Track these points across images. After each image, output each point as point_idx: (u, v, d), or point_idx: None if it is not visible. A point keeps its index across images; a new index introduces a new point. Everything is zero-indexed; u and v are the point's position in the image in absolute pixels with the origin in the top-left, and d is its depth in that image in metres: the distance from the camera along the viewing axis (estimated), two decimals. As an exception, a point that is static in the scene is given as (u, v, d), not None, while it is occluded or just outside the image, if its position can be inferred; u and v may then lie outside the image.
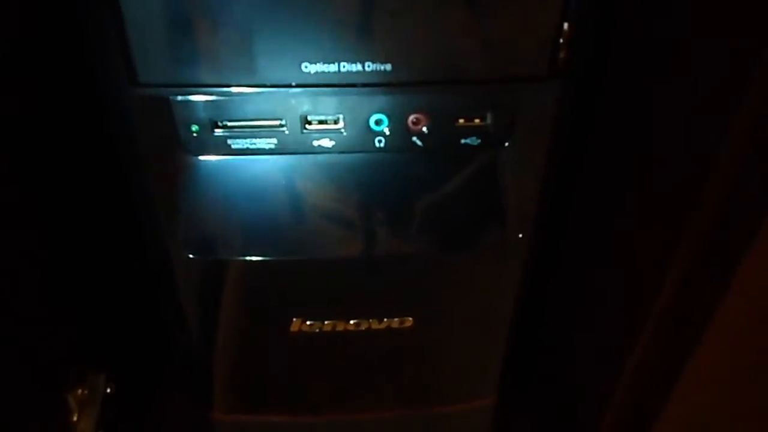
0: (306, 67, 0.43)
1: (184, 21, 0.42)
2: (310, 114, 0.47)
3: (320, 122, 0.48)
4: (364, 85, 0.44)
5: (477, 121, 0.49)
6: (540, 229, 0.55)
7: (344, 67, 0.43)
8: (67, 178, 0.55)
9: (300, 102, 0.46)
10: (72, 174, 0.56)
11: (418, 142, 0.49)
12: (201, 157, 0.49)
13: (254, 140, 0.49)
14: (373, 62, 0.43)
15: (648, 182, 0.50)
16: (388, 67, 0.44)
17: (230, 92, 0.45)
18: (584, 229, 0.62)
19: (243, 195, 0.50)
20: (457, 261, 0.56)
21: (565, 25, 0.43)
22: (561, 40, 0.44)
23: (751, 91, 0.38)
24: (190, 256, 0.52)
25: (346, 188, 0.51)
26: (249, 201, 0.51)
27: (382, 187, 0.51)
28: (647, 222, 0.50)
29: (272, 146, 0.49)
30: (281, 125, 0.48)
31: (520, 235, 0.54)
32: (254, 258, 0.52)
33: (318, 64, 0.43)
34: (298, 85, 0.44)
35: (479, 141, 0.50)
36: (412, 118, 0.48)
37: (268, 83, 0.44)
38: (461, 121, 0.49)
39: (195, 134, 0.48)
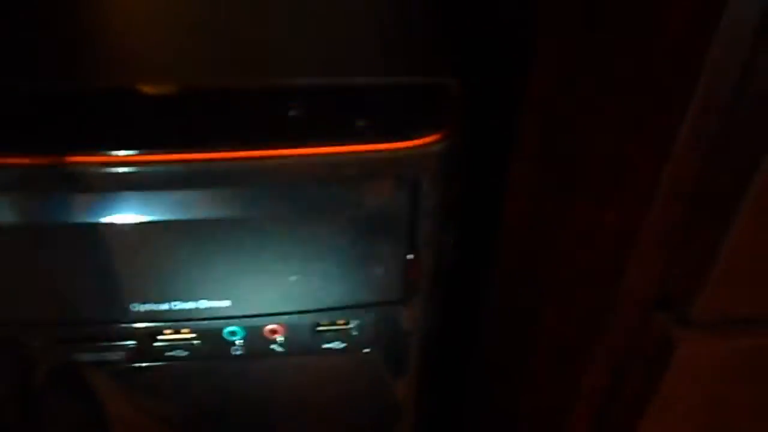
0: (135, 306, 0.40)
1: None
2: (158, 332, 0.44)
3: (172, 332, 0.45)
4: (202, 320, 0.42)
5: (340, 322, 0.47)
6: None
7: (176, 305, 0.41)
8: None
9: (139, 329, 0.43)
10: None
11: (278, 349, 0.47)
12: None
13: (101, 353, 0.46)
14: (210, 299, 0.41)
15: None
16: (227, 303, 0.41)
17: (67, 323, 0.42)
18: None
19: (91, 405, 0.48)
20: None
21: (410, 256, 0.41)
22: (409, 269, 0.42)
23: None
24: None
25: (205, 396, 0.48)
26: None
27: (244, 393, 0.49)
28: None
29: (120, 358, 0.46)
30: (127, 343, 0.45)
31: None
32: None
33: (147, 304, 0.40)
34: (129, 322, 0.41)
35: (344, 345, 0.47)
36: (268, 328, 0.46)
37: (97, 320, 0.41)
38: (322, 326, 0.46)
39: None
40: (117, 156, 0.34)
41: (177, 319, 0.41)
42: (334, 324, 0.47)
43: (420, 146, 0.37)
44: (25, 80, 0.37)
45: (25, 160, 0.34)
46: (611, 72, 0.36)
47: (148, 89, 0.38)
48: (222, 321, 0.43)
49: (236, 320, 0.42)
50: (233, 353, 0.47)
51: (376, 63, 0.40)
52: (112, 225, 0.37)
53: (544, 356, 0.45)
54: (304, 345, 0.47)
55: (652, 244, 0.35)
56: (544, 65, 0.42)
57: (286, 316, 0.44)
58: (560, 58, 0.40)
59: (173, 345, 0.46)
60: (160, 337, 0.45)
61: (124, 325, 0.41)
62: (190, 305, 0.41)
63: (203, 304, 0.41)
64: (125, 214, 0.36)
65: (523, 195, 0.47)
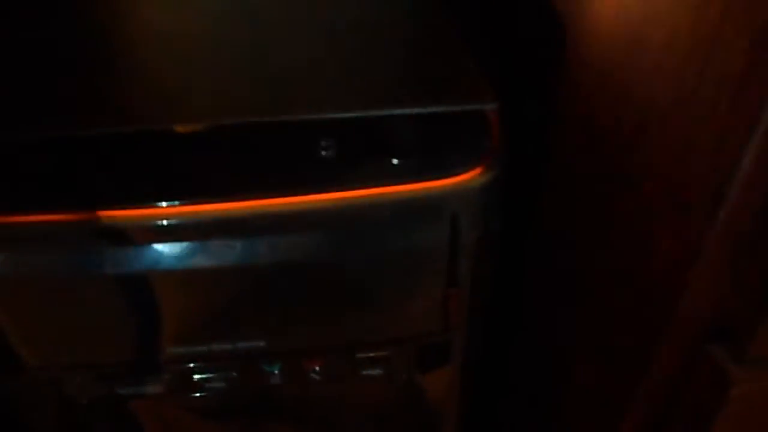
0: (174, 349, 0.40)
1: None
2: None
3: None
4: (237, 357, 0.41)
5: (379, 351, 0.46)
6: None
7: (215, 346, 0.40)
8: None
9: (176, 368, 0.43)
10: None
11: (316, 377, 0.46)
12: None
13: (142, 387, 0.46)
14: (248, 341, 0.40)
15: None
16: (261, 343, 0.40)
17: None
18: None
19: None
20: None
21: (450, 290, 0.40)
22: (449, 302, 0.40)
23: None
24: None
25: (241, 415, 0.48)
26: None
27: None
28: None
29: (159, 391, 0.46)
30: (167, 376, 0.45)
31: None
32: None
33: (187, 346, 0.40)
34: (169, 362, 0.41)
35: (382, 372, 0.47)
36: (305, 359, 0.45)
37: (138, 361, 0.41)
38: (361, 354, 0.46)
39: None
40: (150, 210, 0.33)
41: (217, 359, 0.41)
42: (373, 352, 0.46)
43: (459, 183, 0.35)
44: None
45: (66, 216, 0.33)
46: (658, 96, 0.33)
47: (174, 129, 0.36)
48: (260, 357, 0.42)
49: (275, 356, 0.42)
50: (271, 383, 0.46)
51: (405, 92, 0.38)
52: (151, 274, 0.36)
53: (586, 389, 0.43)
54: (342, 373, 0.46)
55: (709, 270, 0.33)
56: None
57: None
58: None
59: (212, 377, 0.45)
60: (197, 370, 0.45)
61: (164, 363, 0.41)
62: (227, 346, 0.40)
63: (242, 345, 0.40)
64: (161, 264, 0.36)
65: (568, 214, 0.45)
